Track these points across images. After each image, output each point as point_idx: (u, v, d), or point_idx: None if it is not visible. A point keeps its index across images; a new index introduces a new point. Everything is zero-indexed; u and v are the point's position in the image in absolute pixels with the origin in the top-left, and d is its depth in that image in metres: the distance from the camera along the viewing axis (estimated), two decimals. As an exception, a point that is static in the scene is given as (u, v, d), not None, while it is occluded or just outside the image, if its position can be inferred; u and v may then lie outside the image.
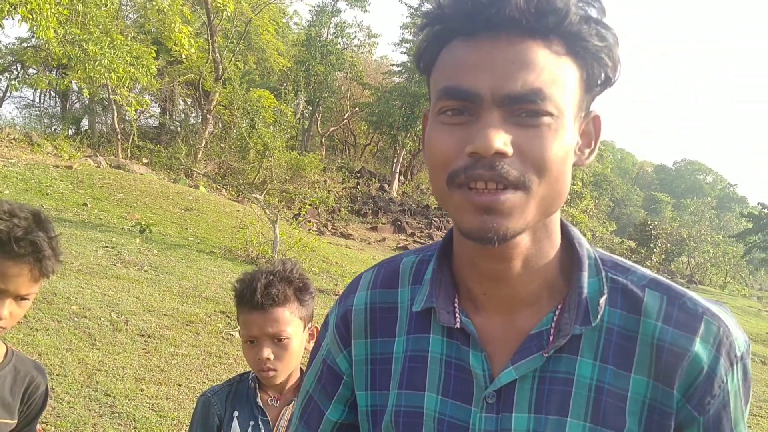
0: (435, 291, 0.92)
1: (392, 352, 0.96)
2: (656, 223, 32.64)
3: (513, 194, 0.77)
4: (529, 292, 0.88)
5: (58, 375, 4.64)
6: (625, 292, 0.88)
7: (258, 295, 1.71)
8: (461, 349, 0.90)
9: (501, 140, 0.75)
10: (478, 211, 0.78)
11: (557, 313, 0.87)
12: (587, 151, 0.88)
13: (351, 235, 20.16)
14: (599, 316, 0.86)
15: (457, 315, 0.90)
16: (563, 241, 0.91)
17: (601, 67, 0.81)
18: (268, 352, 1.72)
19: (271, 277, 1.74)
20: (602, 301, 0.86)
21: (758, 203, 41.68)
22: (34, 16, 10.48)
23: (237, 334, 6.36)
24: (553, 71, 0.77)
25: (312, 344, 1.79)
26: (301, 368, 1.84)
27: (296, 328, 1.76)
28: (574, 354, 0.86)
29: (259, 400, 1.79)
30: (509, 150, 0.76)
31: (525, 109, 0.77)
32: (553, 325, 0.87)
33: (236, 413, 1.79)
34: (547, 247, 0.87)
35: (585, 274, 0.88)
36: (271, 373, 1.73)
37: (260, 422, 1.77)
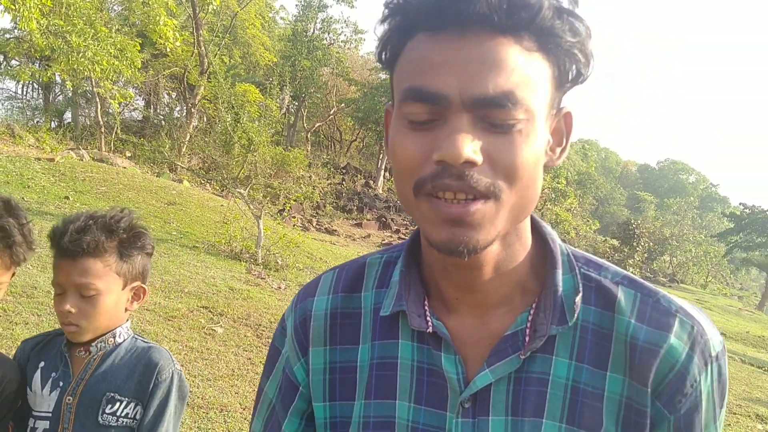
0: (404, 294, 0.88)
1: (356, 360, 0.91)
2: (639, 222, 32.72)
3: (483, 205, 0.73)
4: (502, 295, 0.85)
5: (37, 370, 4.59)
6: (599, 289, 0.85)
7: (66, 239, 1.54)
8: (433, 353, 0.86)
9: (470, 148, 0.70)
10: (446, 223, 0.73)
11: (532, 312, 0.84)
12: (558, 150, 0.83)
13: (336, 231, 20.13)
14: (575, 315, 0.83)
15: (428, 318, 0.86)
16: (535, 238, 0.87)
17: (573, 63, 0.76)
18: (69, 305, 1.55)
19: (90, 222, 1.58)
20: (578, 299, 0.83)
21: (740, 203, 42.21)
22: (17, 6, 10.33)
23: (219, 330, 6.33)
24: (524, 71, 0.72)
25: (136, 305, 1.70)
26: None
27: (110, 284, 1.59)
28: (549, 353, 0.83)
29: (64, 347, 1.64)
30: (479, 158, 0.71)
31: (494, 114, 0.71)
32: (529, 325, 0.84)
33: (42, 363, 1.64)
34: (518, 249, 0.84)
35: (559, 272, 0.85)
36: (72, 328, 1.57)
37: (61, 372, 1.61)
